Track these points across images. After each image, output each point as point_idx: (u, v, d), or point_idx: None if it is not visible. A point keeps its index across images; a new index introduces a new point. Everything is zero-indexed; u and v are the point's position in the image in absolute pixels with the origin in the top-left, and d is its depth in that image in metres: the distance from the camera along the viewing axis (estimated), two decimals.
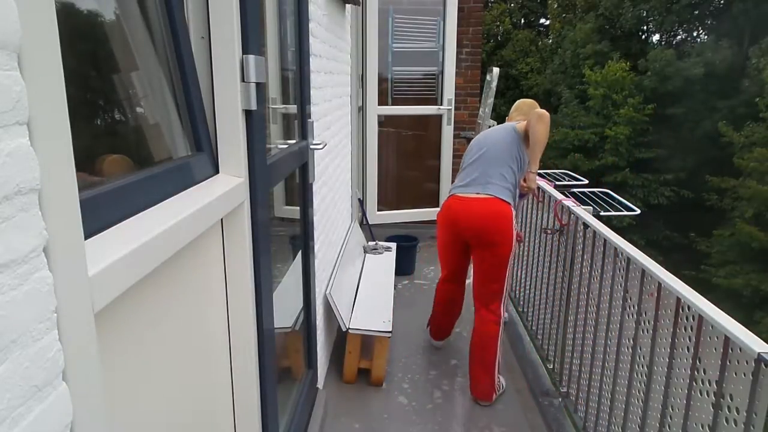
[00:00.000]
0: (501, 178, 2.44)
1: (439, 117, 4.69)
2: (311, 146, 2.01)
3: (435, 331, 3.02)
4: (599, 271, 2.10)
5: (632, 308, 1.82)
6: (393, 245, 3.89)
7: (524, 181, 2.56)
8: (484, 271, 2.50)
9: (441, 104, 4.66)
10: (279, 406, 1.58)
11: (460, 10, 4.64)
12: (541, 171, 3.56)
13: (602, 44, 18.32)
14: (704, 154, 15.57)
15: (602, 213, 2.74)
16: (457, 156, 3.98)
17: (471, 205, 2.45)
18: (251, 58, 1.19)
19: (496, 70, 3.67)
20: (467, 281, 2.80)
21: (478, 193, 2.45)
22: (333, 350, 2.90)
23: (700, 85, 16.01)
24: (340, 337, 2.82)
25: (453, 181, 2.78)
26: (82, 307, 0.61)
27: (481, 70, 5.16)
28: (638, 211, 3.23)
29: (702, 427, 1.39)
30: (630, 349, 1.83)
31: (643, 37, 19.94)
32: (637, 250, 1.84)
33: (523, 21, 23.54)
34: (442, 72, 4.61)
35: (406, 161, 4.89)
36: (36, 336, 0.52)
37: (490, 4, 21.78)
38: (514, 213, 2.45)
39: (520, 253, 3.41)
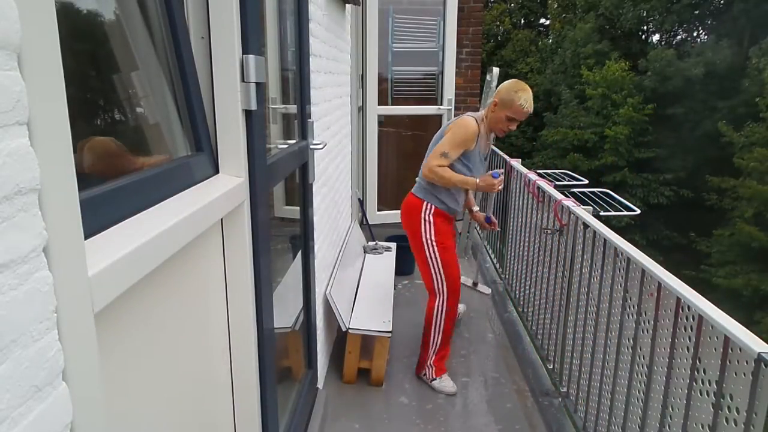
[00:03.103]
0: (420, 175, 2.64)
1: (439, 117, 4.69)
2: (311, 146, 2.01)
3: None
4: (599, 271, 2.09)
5: (632, 308, 1.82)
6: (393, 245, 3.89)
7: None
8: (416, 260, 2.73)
9: (441, 104, 4.66)
10: (279, 406, 1.58)
11: (460, 10, 4.65)
12: (540, 171, 3.57)
13: (602, 44, 18.31)
14: (704, 154, 15.56)
15: (602, 213, 2.74)
16: None
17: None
18: (251, 58, 1.19)
19: (496, 70, 3.66)
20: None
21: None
22: (333, 350, 2.90)
23: (700, 85, 16.00)
24: (340, 337, 2.82)
25: None
26: (82, 307, 0.61)
27: (481, 70, 5.16)
28: (638, 211, 3.23)
29: (702, 427, 1.39)
30: (630, 349, 1.82)
31: (643, 37, 19.93)
32: (637, 250, 1.84)
33: (523, 21, 23.53)
34: (442, 72, 4.62)
35: (406, 161, 4.89)
36: (36, 336, 0.52)
37: (490, 4, 21.79)
38: (425, 205, 2.61)
39: (520, 252, 3.41)
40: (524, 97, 2.44)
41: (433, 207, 2.60)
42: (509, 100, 2.45)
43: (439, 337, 2.67)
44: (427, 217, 2.60)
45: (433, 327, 2.67)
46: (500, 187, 2.56)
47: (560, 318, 2.59)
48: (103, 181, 0.81)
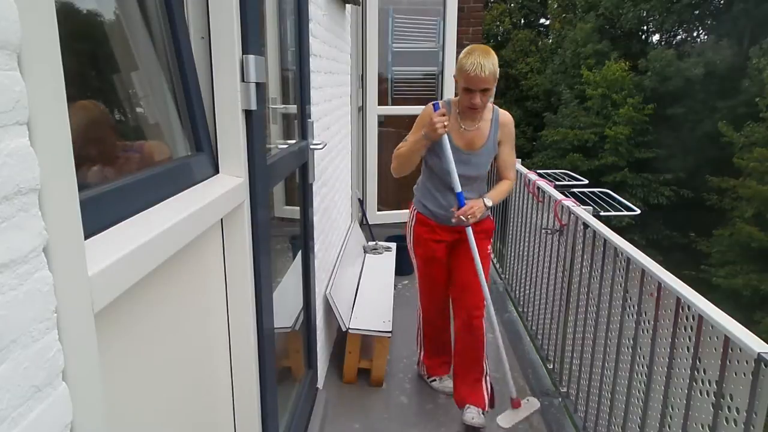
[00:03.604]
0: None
1: None
2: (311, 146, 2.02)
3: None
4: (599, 271, 2.09)
5: (632, 308, 1.82)
6: (393, 245, 3.89)
7: None
8: None
9: None
10: (279, 406, 1.58)
11: (460, 10, 4.64)
12: (540, 171, 3.57)
13: (602, 44, 18.31)
14: (704, 154, 15.56)
15: (602, 213, 2.74)
16: None
17: None
18: (251, 58, 1.19)
19: None
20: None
21: None
22: (333, 350, 2.90)
23: (700, 85, 16.01)
24: (340, 337, 2.82)
25: None
26: (82, 307, 0.61)
27: None
28: (638, 212, 3.23)
29: (702, 427, 1.39)
30: (630, 349, 1.83)
31: (644, 37, 19.94)
32: (637, 250, 1.84)
33: (523, 21, 23.52)
34: (442, 72, 4.61)
35: None
36: (36, 336, 0.52)
37: (490, 4, 21.78)
38: (411, 209, 2.45)
39: (520, 252, 3.41)
40: (471, 60, 1.98)
41: (416, 212, 2.39)
42: (458, 69, 2.06)
43: (421, 340, 2.66)
44: (410, 224, 2.43)
45: (417, 328, 2.68)
46: (446, 122, 2.06)
47: (560, 318, 2.59)
48: (103, 182, 0.81)
